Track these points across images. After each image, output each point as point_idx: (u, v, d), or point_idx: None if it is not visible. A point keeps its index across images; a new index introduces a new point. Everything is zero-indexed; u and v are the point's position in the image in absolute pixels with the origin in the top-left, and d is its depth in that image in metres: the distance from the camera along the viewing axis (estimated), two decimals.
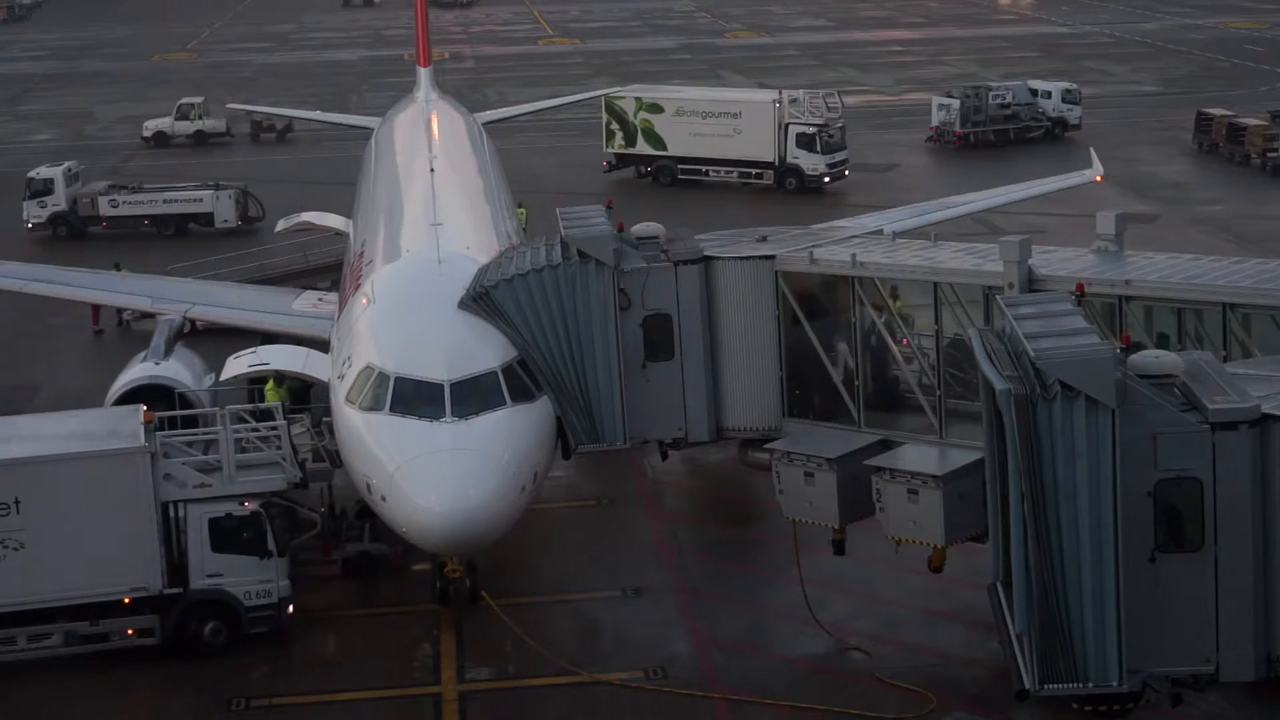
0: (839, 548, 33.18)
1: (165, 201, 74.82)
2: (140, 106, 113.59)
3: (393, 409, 32.59)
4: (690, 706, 31.25)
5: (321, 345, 41.19)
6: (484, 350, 33.73)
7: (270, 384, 40.88)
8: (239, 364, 40.46)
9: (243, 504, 33.44)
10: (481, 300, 34.56)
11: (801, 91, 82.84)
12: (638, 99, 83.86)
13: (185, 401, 38.23)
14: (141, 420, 33.92)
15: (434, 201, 43.24)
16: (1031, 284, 31.13)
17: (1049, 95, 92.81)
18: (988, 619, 28.85)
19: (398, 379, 32.93)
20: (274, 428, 34.38)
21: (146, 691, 32.95)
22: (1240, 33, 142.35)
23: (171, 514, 33.48)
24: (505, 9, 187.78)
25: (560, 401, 34.13)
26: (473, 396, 32.56)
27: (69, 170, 75.88)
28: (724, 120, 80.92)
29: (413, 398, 32.57)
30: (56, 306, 55.17)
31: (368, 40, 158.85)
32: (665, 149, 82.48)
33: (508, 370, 33.45)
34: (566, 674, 32.24)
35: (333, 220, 57.89)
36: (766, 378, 35.47)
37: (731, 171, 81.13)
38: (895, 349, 34.05)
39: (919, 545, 31.01)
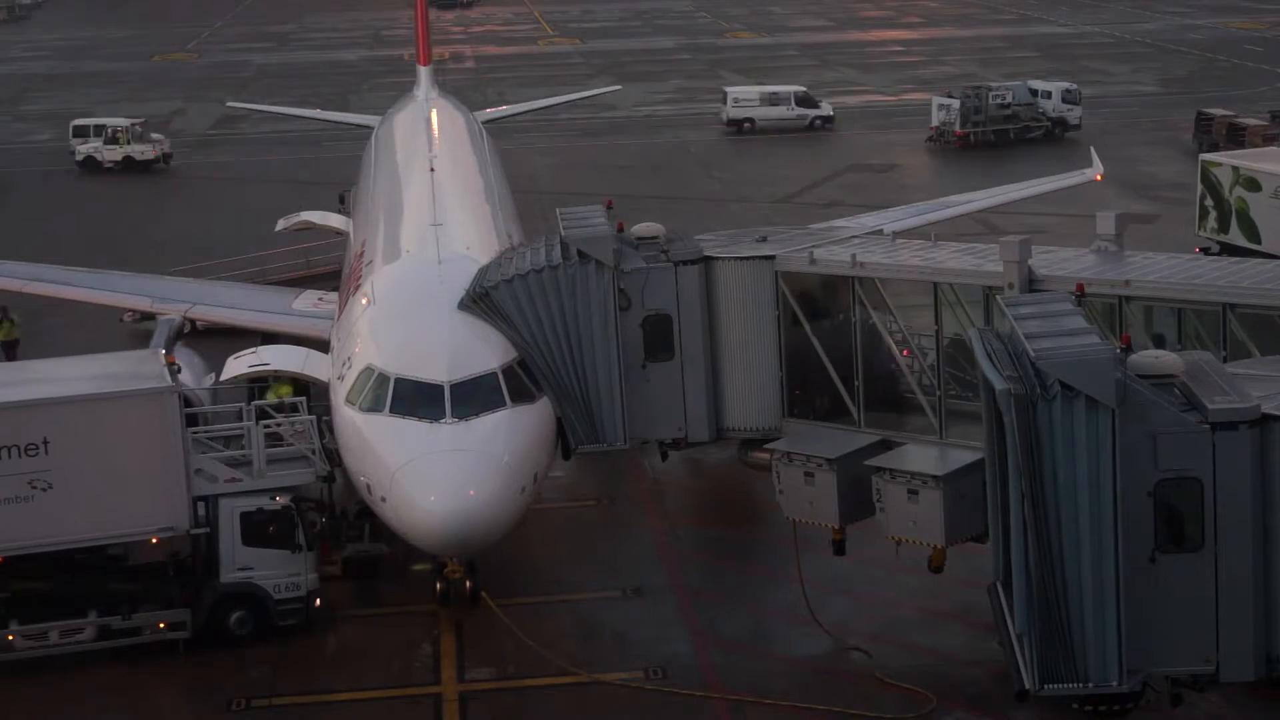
0: (839, 548, 33.14)
1: None
2: (140, 107, 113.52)
3: (393, 410, 32.59)
4: (690, 706, 31.20)
5: (321, 345, 41.12)
6: (484, 351, 33.72)
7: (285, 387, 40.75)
8: (239, 364, 40.37)
9: (273, 498, 33.64)
10: (481, 301, 34.56)
11: None
12: (1234, 167, 59.00)
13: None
14: (164, 362, 34.15)
15: (434, 201, 43.20)
16: (1031, 284, 31.10)
17: (1049, 95, 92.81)
18: (988, 619, 28.81)
19: (398, 380, 32.92)
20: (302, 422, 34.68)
21: (147, 691, 32.88)
22: (1240, 33, 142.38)
23: (200, 511, 33.60)
24: (505, 9, 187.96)
25: (560, 402, 34.11)
26: (473, 397, 32.56)
27: None
28: None
29: (413, 399, 32.56)
30: (57, 306, 55.08)
31: (368, 40, 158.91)
32: (1259, 242, 57.35)
33: (508, 371, 33.44)
34: (566, 674, 32.20)
35: (334, 220, 57.82)
36: (766, 378, 35.44)
37: None
38: (895, 349, 34.03)
39: (919, 545, 31.00)
